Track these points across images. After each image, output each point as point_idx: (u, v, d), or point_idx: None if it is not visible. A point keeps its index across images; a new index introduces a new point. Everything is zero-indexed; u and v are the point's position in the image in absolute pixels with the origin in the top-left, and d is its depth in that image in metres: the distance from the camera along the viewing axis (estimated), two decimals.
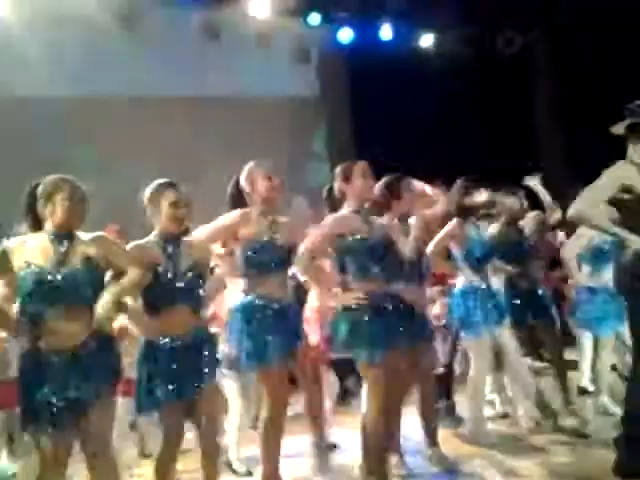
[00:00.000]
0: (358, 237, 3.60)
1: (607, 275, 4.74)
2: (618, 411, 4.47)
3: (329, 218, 3.73)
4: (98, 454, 2.93)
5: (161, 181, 3.34)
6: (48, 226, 2.97)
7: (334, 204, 3.81)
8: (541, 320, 4.96)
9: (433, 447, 4.27)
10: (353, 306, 3.52)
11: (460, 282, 4.75)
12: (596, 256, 5.11)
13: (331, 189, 3.86)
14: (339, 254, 3.69)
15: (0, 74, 6.77)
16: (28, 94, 6.79)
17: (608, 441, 3.90)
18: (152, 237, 3.31)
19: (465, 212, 4.67)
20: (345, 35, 9.26)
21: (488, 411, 5.10)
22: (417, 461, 4.25)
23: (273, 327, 3.54)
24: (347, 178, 3.72)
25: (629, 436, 3.62)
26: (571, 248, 5.29)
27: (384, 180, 4.23)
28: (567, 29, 8.70)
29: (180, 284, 3.20)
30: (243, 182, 3.77)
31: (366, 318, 3.50)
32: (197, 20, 7.77)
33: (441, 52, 9.37)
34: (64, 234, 2.96)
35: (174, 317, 3.19)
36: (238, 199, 3.77)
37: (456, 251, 4.72)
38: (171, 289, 3.19)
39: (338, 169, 3.81)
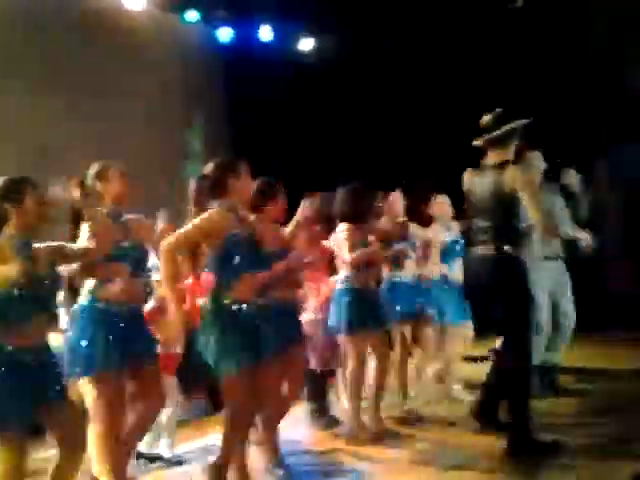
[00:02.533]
0: (232, 234, 3.54)
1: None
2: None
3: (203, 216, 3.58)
4: None
5: None
6: None
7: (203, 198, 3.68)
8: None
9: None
10: None
11: (341, 283, 4.76)
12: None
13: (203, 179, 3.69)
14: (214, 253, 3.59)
15: None
16: None
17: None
18: None
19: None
20: (224, 34, 9.10)
21: None
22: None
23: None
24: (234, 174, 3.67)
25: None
26: None
27: (260, 182, 4.14)
28: None
29: None
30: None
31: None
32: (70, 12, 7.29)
33: (321, 56, 9.35)
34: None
35: None
36: None
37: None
38: None
39: (220, 163, 3.72)
